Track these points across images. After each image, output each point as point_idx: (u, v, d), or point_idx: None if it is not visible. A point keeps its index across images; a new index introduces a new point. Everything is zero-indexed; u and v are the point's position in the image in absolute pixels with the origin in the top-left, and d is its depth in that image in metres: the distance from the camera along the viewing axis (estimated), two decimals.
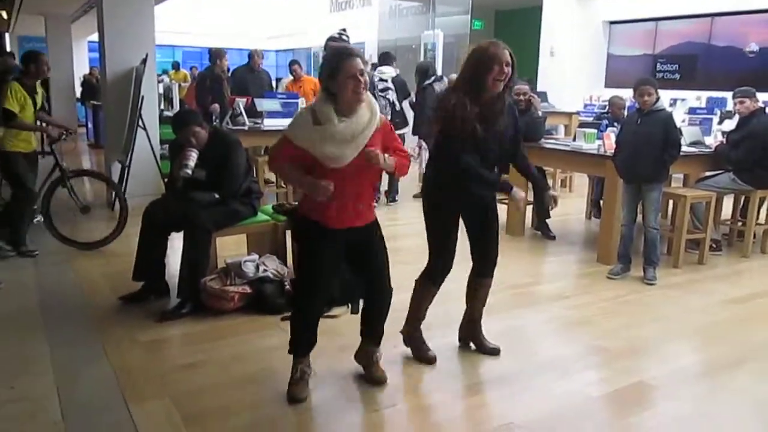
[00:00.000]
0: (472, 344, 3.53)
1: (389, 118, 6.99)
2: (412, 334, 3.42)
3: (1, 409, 2.84)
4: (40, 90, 5.41)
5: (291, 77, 9.59)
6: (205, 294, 3.95)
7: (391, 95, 6.93)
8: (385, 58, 7.53)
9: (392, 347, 3.54)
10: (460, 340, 3.56)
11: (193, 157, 3.99)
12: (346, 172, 2.70)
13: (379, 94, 6.86)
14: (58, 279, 4.69)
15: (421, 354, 3.38)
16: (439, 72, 9.00)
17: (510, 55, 2.94)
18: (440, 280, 3.32)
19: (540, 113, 6.07)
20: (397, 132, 6.88)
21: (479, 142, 2.98)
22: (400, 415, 2.88)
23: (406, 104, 8.30)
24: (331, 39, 6.48)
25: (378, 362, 3.16)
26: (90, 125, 13.99)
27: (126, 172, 6.59)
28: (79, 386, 3.10)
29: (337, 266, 2.93)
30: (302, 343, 2.97)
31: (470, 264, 3.41)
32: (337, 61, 2.64)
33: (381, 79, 7.09)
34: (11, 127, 5.01)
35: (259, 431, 2.74)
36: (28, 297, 4.28)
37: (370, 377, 3.12)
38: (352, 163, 2.68)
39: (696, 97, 9.91)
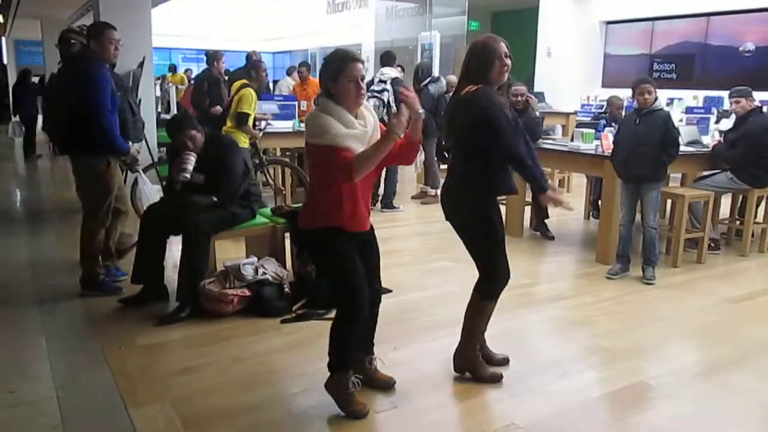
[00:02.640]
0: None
1: (380, 118, 6.98)
2: (470, 354, 3.23)
3: (2, 413, 2.84)
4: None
5: (297, 79, 9.69)
6: (204, 297, 3.95)
7: (387, 96, 6.90)
8: (386, 59, 7.49)
9: (391, 350, 3.55)
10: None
11: (191, 161, 3.99)
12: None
13: (375, 93, 6.83)
14: (57, 282, 4.67)
15: (481, 376, 3.20)
16: (436, 73, 8.99)
17: (507, 46, 2.95)
18: (499, 293, 3.19)
19: (537, 114, 6.07)
20: None
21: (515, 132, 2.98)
22: (400, 417, 2.88)
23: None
24: None
25: (376, 367, 3.12)
26: None
27: (124, 174, 6.56)
28: (78, 390, 3.09)
29: (361, 265, 2.85)
30: (352, 353, 2.90)
31: (469, 265, 3.36)
32: (341, 64, 2.63)
33: (380, 80, 7.07)
34: (242, 130, 5.56)
35: None
36: (27, 301, 4.26)
37: (375, 384, 3.08)
38: None
39: (693, 97, 9.94)
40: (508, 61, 2.93)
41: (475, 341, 3.23)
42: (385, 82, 7.03)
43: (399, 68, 7.69)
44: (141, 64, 6.60)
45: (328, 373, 2.88)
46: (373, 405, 2.94)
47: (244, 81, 5.75)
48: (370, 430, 2.82)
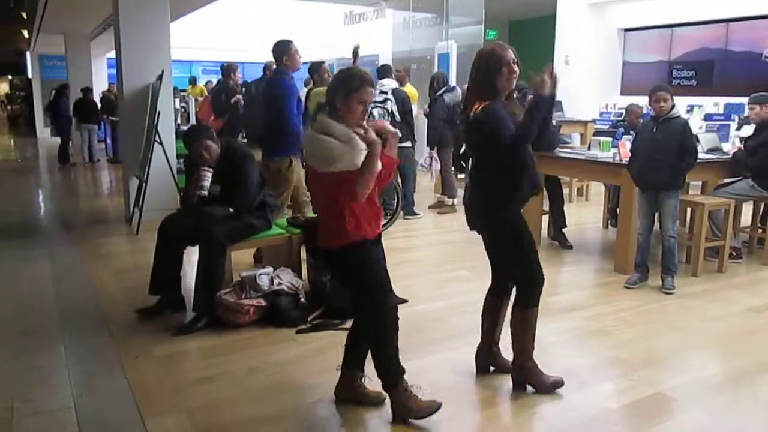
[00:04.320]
0: (491, 368, 3.39)
1: None
2: (527, 366, 3.23)
3: (19, 422, 2.87)
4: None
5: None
6: (220, 307, 3.97)
7: (390, 105, 6.96)
8: (383, 71, 7.58)
9: (407, 360, 3.53)
10: (477, 370, 3.38)
11: (208, 177, 4.04)
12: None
13: (378, 104, 6.89)
14: (77, 292, 4.74)
15: (542, 383, 3.18)
16: (453, 83, 9.00)
17: (514, 53, 2.94)
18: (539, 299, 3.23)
19: (554, 123, 6.04)
20: (400, 145, 6.92)
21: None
22: (414, 428, 2.85)
23: (421, 115, 8.33)
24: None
25: (364, 386, 3.02)
26: (109, 141, 14.19)
27: (143, 187, 6.65)
28: (95, 400, 3.12)
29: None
30: (397, 361, 2.89)
31: (487, 274, 3.36)
32: (357, 84, 2.64)
33: (381, 91, 7.14)
34: None
35: None
36: (47, 310, 4.32)
37: (364, 401, 3.00)
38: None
39: (713, 104, 9.82)
40: (516, 68, 2.91)
41: (530, 351, 3.21)
42: (386, 92, 7.10)
43: (396, 79, 7.79)
44: (160, 77, 6.68)
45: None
46: (387, 416, 2.93)
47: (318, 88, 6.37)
48: None
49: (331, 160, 2.62)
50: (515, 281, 3.20)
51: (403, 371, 2.87)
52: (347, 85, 2.66)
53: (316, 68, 7.05)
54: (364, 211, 2.73)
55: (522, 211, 3.13)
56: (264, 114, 5.27)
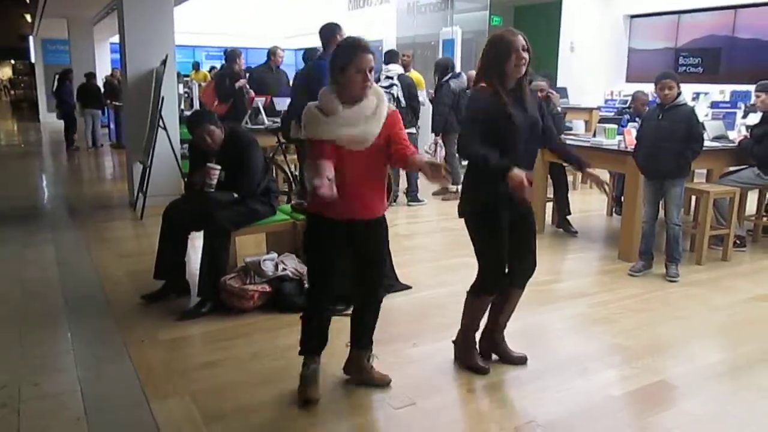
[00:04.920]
0: (494, 356, 3.39)
1: None
2: (462, 344, 3.32)
3: (26, 405, 2.89)
4: None
5: None
6: (224, 293, 3.98)
7: (396, 90, 6.93)
8: (390, 57, 7.53)
9: (411, 346, 3.55)
10: (481, 354, 3.37)
11: (215, 174, 4.03)
12: (355, 159, 2.69)
13: (384, 89, 6.86)
14: (81, 277, 4.75)
15: (471, 364, 3.27)
16: (458, 69, 8.96)
17: (524, 39, 2.91)
18: (495, 290, 3.21)
19: (559, 109, 6.02)
20: (406, 131, 6.87)
21: (517, 131, 2.92)
22: (418, 413, 2.88)
23: (427, 102, 8.29)
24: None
25: (371, 367, 3.07)
26: (112, 126, 14.18)
27: (147, 172, 6.65)
28: (101, 383, 3.14)
29: (338, 259, 2.85)
30: (312, 341, 2.97)
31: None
32: (350, 54, 2.63)
33: (387, 77, 7.11)
34: None
35: (278, 429, 2.75)
36: (52, 295, 4.34)
37: (370, 383, 3.06)
38: (365, 149, 2.69)
39: (719, 91, 9.74)
40: (526, 55, 2.88)
41: (468, 331, 3.30)
42: (392, 77, 7.07)
43: (402, 64, 7.71)
44: (164, 62, 6.66)
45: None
46: (391, 401, 2.95)
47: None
48: (389, 425, 2.82)
49: (306, 126, 2.71)
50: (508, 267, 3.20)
51: (314, 352, 3.02)
52: (343, 57, 2.65)
53: (311, 56, 6.68)
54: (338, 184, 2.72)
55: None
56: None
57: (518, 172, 2.84)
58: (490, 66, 2.93)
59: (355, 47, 2.64)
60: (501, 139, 2.92)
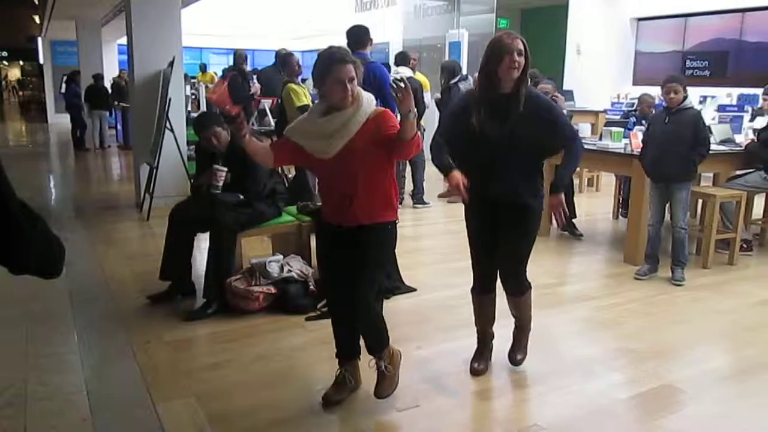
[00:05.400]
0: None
1: (398, 117, 6.97)
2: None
3: (32, 405, 2.91)
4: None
5: None
6: (230, 294, 3.99)
7: None
8: (400, 59, 7.53)
9: (415, 348, 3.55)
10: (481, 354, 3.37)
11: (222, 176, 4.06)
12: (333, 167, 2.70)
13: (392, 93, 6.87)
14: (88, 278, 4.77)
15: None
16: (464, 71, 8.96)
17: (523, 44, 2.86)
18: (480, 290, 3.25)
19: (564, 112, 6.00)
20: None
21: (478, 138, 2.92)
22: (422, 416, 2.88)
23: (432, 104, 8.28)
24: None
25: (381, 371, 2.91)
26: (119, 127, 14.24)
27: (154, 173, 6.68)
28: (107, 384, 3.15)
29: (339, 263, 2.85)
30: (337, 347, 2.98)
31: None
32: (328, 65, 2.62)
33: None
34: None
35: (283, 430, 2.75)
36: (58, 295, 4.36)
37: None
38: (339, 157, 2.66)
39: (726, 94, 9.71)
40: (520, 59, 2.82)
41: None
42: None
43: (411, 66, 7.71)
44: (171, 64, 6.69)
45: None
46: (395, 403, 2.95)
47: (286, 80, 5.92)
48: (393, 427, 2.83)
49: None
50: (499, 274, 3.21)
51: (340, 357, 3.02)
52: (319, 70, 2.65)
53: (285, 60, 6.42)
54: (328, 190, 2.88)
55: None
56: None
57: (455, 175, 2.94)
58: (484, 68, 2.93)
59: (332, 59, 2.62)
60: (464, 144, 3.00)
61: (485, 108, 2.91)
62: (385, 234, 2.81)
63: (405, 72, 7.23)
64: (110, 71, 16.89)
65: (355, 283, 2.76)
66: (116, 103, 13.77)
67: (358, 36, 4.89)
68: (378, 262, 2.86)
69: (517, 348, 3.35)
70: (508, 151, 2.91)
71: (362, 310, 2.80)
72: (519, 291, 3.20)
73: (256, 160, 2.81)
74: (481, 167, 2.98)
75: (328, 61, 2.63)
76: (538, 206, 3.04)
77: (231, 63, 9.05)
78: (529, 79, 3.07)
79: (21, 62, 35.34)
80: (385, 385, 2.91)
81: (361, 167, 2.67)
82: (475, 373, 3.25)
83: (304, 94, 5.74)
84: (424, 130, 7.62)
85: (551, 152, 3.16)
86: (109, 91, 13.83)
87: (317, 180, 2.99)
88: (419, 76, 8.15)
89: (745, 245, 5.59)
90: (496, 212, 3.05)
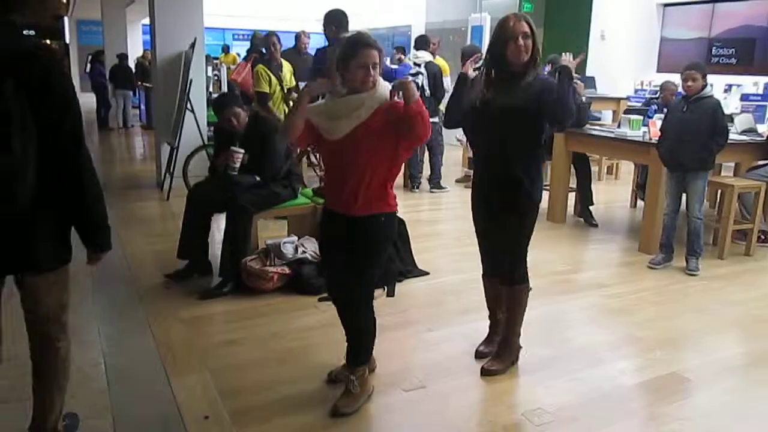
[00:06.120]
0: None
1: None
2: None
3: None
4: (287, 67, 6.23)
5: None
6: (245, 273, 4.07)
7: (421, 79, 6.91)
8: (420, 43, 7.50)
9: (426, 331, 3.61)
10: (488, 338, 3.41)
11: (239, 157, 4.12)
12: (338, 150, 2.71)
13: (410, 76, 6.85)
14: (110, 256, 4.84)
15: None
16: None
17: (529, 25, 2.86)
18: (486, 273, 3.31)
19: (584, 99, 5.98)
20: None
21: (482, 112, 2.96)
22: (428, 397, 2.93)
23: (452, 88, 8.24)
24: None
25: (349, 390, 2.84)
26: (143, 107, 14.39)
27: (174, 153, 6.77)
28: (123, 357, 3.25)
29: (335, 250, 2.86)
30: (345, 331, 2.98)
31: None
32: (353, 48, 2.65)
33: (415, 63, 7.09)
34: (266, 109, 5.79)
35: (291, 407, 2.82)
36: (78, 270, 4.45)
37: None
38: (346, 141, 2.67)
39: (753, 83, 9.55)
40: (527, 42, 2.83)
41: None
42: (419, 65, 7.05)
43: (432, 51, 7.66)
44: (192, 45, 6.75)
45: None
46: (401, 383, 3.01)
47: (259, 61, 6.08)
48: (399, 407, 2.88)
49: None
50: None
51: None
52: (344, 53, 2.68)
53: (264, 41, 6.35)
54: (333, 175, 2.89)
55: (546, 189, 3.16)
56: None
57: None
58: (490, 48, 2.97)
59: (358, 43, 2.66)
60: (470, 120, 3.08)
61: (492, 85, 2.96)
62: (378, 226, 2.75)
63: (424, 57, 7.20)
64: (134, 51, 17.00)
65: (347, 276, 2.79)
66: (140, 83, 13.91)
67: (338, 19, 4.94)
68: (369, 256, 2.79)
69: (499, 356, 3.23)
70: (509, 126, 2.91)
71: (349, 311, 2.88)
72: (509, 280, 3.14)
73: (294, 122, 2.71)
74: (485, 144, 3.05)
75: (354, 45, 2.66)
76: (535, 194, 3.03)
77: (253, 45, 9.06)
78: (551, 65, 3.08)
79: (48, 41, 35.71)
80: (347, 400, 2.82)
81: (364, 155, 2.67)
82: (479, 355, 3.29)
83: (267, 80, 5.86)
84: (444, 114, 7.61)
85: (549, 119, 2.98)
86: (133, 71, 13.97)
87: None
88: (439, 60, 8.12)
89: (762, 236, 5.54)
90: (495, 197, 3.08)
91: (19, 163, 1.90)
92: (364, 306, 2.84)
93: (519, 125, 2.92)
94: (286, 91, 6.02)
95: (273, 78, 5.92)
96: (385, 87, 2.71)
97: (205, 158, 6.85)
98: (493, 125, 2.95)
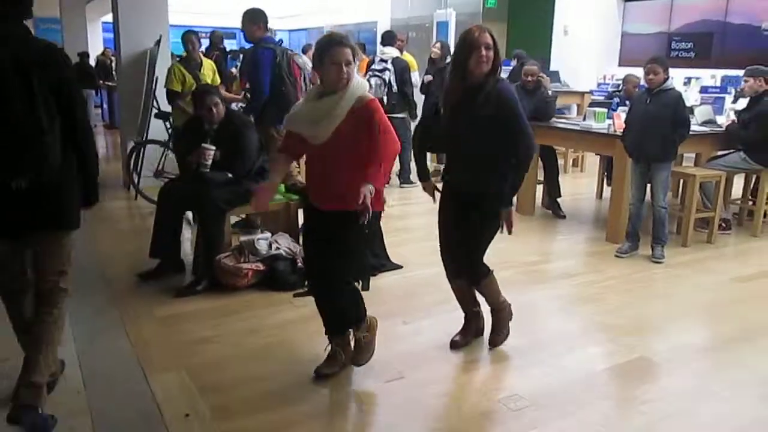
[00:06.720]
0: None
1: (384, 98, 7.01)
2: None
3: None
4: (208, 66, 6.47)
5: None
6: (219, 271, 4.06)
7: (388, 75, 6.95)
8: (387, 38, 7.52)
9: (401, 323, 3.65)
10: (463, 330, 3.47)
11: (210, 155, 4.10)
12: (323, 152, 2.81)
13: (376, 72, 6.88)
14: (78, 255, 4.78)
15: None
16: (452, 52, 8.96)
17: (492, 37, 2.94)
18: (449, 277, 3.36)
19: (550, 93, 6.08)
20: (394, 115, 6.77)
21: (449, 125, 3.08)
22: (406, 387, 2.98)
23: (419, 83, 8.30)
24: None
25: (358, 340, 3.05)
26: (105, 106, 14.14)
27: (141, 153, 6.68)
28: (99, 358, 3.22)
29: (315, 243, 2.96)
30: (324, 323, 3.05)
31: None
32: (326, 47, 2.74)
33: (381, 60, 7.12)
34: (175, 105, 6.02)
35: (271, 401, 2.84)
36: None
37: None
38: (329, 144, 2.76)
39: (711, 76, 9.81)
40: (489, 53, 2.90)
41: None
42: (386, 61, 7.09)
43: (399, 47, 7.70)
44: (158, 42, 6.66)
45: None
46: (381, 374, 3.05)
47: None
48: (379, 397, 2.92)
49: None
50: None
51: (326, 332, 3.09)
52: (318, 51, 2.78)
53: (188, 38, 6.41)
54: (315, 174, 2.98)
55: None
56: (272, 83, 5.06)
57: (429, 185, 3.45)
58: (455, 60, 3.03)
59: (331, 41, 2.75)
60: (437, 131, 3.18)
61: (455, 97, 3.04)
62: (356, 222, 2.72)
63: (391, 53, 7.22)
64: (95, 50, 16.68)
65: (328, 268, 2.90)
66: (101, 81, 13.65)
67: (257, 17, 5.07)
68: (347, 250, 2.89)
69: (495, 329, 3.42)
70: (472, 140, 3.04)
71: (328, 293, 2.98)
72: (476, 280, 3.29)
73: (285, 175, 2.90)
74: (450, 154, 3.23)
75: (327, 44, 2.76)
76: (503, 201, 3.09)
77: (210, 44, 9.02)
78: (516, 60, 3.16)
79: None
80: (362, 352, 3.05)
81: (344, 153, 2.77)
82: (453, 345, 3.36)
83: (180, 78, 6.02)
84: (416, 116, 7.64)
85: (508, 151, 3.04)
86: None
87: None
88: (406, 56, 8.15)
89: (723, 224, 5.72)
90: (461, 206, 3.18)
91: (52, 139, 2.46)
92: (342, 294, 2.97)
93: (483, 143, 3.02)
94: None
95: (188, 76, 6.04)
96: (359, 85, 2.81)
97: (171, 156, 6.78)
98: (458, 140, 3.11)
